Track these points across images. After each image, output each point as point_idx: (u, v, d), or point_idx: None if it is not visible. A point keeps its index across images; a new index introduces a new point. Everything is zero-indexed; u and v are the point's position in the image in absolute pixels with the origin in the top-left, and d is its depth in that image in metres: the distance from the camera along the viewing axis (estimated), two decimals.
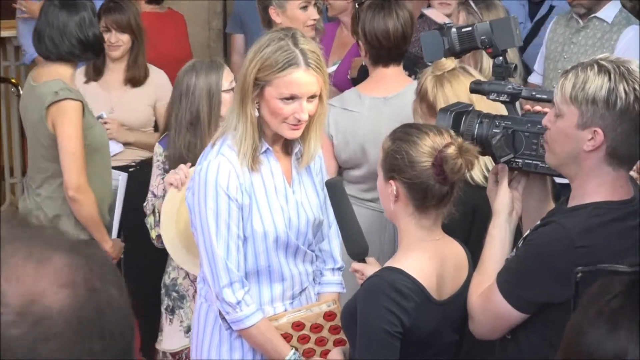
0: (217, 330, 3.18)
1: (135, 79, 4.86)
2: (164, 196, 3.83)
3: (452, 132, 2.78)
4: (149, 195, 4.05)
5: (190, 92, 3.78)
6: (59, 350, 1.00)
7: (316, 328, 3.07)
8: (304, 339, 3.05)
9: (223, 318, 3.09)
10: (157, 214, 3.91)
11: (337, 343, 3.16)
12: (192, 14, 6.82)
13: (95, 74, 4.90)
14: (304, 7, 4.46)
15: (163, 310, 4.12)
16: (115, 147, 4.77)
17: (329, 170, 3.78)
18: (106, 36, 4.73)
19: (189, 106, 3.79)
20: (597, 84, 2.41)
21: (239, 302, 2.98)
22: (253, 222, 3.04)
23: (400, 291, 2.65)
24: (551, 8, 6.82)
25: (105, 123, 4.72)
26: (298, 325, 3.04)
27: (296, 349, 3.09)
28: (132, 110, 4.87)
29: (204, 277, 3.15)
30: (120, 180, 4.59)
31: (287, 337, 3.08)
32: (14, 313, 0.99)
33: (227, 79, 3.86)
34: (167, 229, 3.74)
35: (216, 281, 3.01)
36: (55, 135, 4.19)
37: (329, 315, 3.12)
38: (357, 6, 4.19)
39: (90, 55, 4.39)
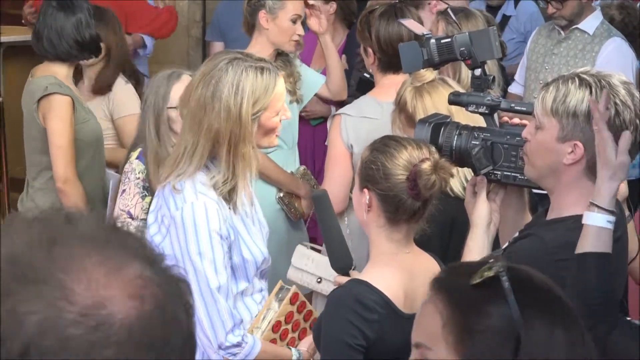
0: None
1: (99, 90, 4.83)
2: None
3: (431, 147, 2.80)
4: (123, 215, 3.82)
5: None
6: (115, 359, 1.02)
7: (290, 317, 3.10)
8: (284, 334, 3.09)
9: None
10: None
11: (307, 316, 3.24)
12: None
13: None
14: (294, 21, 4.44)
15: None
16: None
17: (346, 180, 3.80)
18: None
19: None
20: (578, 98, 2.43)
21: (243, 338, 2.97)
22: (242, 253, 3.02)
23: (364, 304, 2.67)
24: (505, 18, 6.89)
25: None
26: (277, 326, 3.06)
27: (289, 346, 3.18)
28: None
29: None
30: (112, 182, 4.54)
31: (273, 342, 3.11)
32: (77, 313, 1.00)
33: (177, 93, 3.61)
34: None
35: (220, 330, 2.95)
36: (45, 128, 4.31)
37: (294, 299, 3.15)
38: (368, 13, 4.18)
39: (87, 55, 4.45)
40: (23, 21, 6.43)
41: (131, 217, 3.76)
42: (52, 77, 4.37)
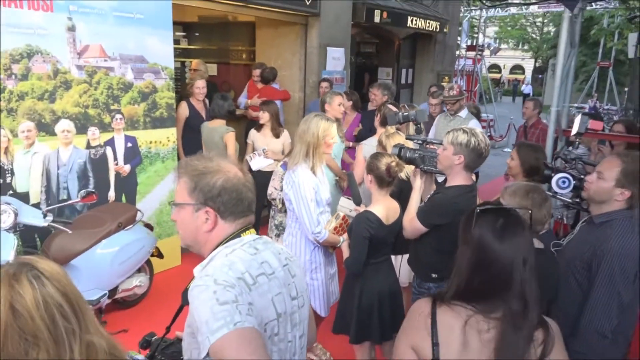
0: (309, 244, 3.04)
1: (276, 134, 4.97)
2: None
3: (395, 157, 2.80)
4: (273, 189, 3.77)
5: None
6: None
7: (341, 225, 3.09)
8: (337, 232, 3.06)
9: (315, 241, 2.98)
10: (279, 200, 3.67)
11: (347, 225, 3.08)
12: (292, 109, 6.92)
13: (258, 129, 5.01)
14: (340, 105, 4.55)
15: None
16: (269, 161, 4.89)
17: (362, 171, 3.53)
18: (260, 114, 4.95)
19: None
20: (462, 137, 2.49)
21: (321, 230, 2.95)
22: (321, 195, 2.96)
23: (370, 219, 2.70)
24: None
25: (266, 151, 4.91)
26: (335, 229, 3.05)
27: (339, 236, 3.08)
28: (275, 147, 4.94)
29: (300, 222, 2.97)
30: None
31: (333, 234, 3.06)
32: (223, 179, 1.40)
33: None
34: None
35: (312, 225, 2.91)
36: (226, 146, 4.59)
37: (343, 219, 3.12)
38: (382, 105, 4.26)
39: (231, 116, 4.79)
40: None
41: (275, 190, 3.74)
42: (224, 126, 4.66)
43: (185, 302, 1.30)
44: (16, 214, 3.00)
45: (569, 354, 1.61)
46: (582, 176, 2.27)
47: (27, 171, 3.84)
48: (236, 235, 1.43)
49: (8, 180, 3.70)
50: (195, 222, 1.42)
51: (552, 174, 2.40)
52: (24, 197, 3.77)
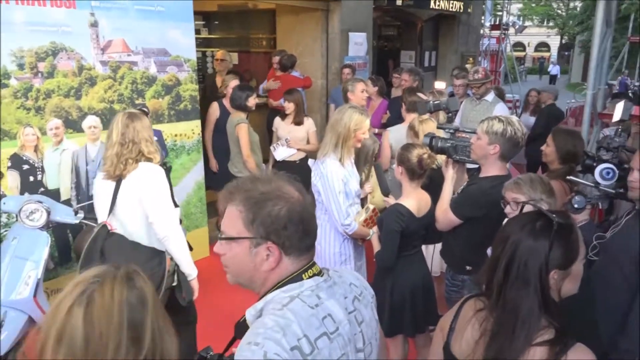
0: (338, 236, 3.00)
1: (298, 123, 4.88)
2: None
3: (427, 148, 2.75)
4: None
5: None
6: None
7: (371, 217, 3.02)
8: (367, 224, 3.00)
9: (345, 233, 2.95)
10: None
11: (376, 216, 3.02)
12: (315, 96, 6.86)
13: (283, 117, 4.94)
14: (363, 91, 4.46)
15: None
16: (292, 151, 4.83)
17: (388, 157, 3.68)
18: (285, 104, 4.86)
19: None
20: (497, 126, 2.44)
21: (351, 223, 2.91)
22: (350, 186, 2.92)
23: (401, 212, 2.67)
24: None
25: (288, 141, 4.83)
26: (365, 221, 2.98)
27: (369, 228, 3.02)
28: (297, 135, 4.86)
29: (329, 214, 2.92)
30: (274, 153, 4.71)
31: (363, 226, 3.02)
32: (283, 205, 1.17)
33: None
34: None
35: (341, 217, 2.88)
36: (238, 138, 4.44)
37: (373, 211, 3.03)
38: (408, 90, 4.20)
39: (248, 108, 4.50)
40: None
41: None
42: (239, 117, 4.48)
43: (238, 336, 1.17)
44: (49, 213, 3.04)
45: (619, 354, 1.50)
46: (626, 165, 2.14)
47: (57, 168, 3.88)
48: (297, 276, 1.20)
49: (39, 177, 3.75)
50: (253, 260, 1.19)
51: (595, 164, 2.28)
52: (55, 194, 3.82)
